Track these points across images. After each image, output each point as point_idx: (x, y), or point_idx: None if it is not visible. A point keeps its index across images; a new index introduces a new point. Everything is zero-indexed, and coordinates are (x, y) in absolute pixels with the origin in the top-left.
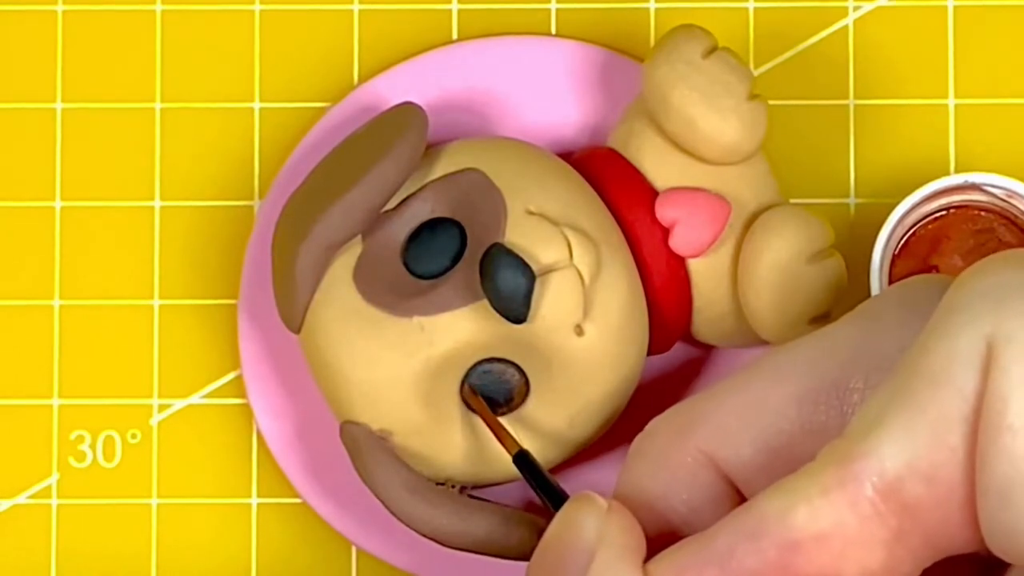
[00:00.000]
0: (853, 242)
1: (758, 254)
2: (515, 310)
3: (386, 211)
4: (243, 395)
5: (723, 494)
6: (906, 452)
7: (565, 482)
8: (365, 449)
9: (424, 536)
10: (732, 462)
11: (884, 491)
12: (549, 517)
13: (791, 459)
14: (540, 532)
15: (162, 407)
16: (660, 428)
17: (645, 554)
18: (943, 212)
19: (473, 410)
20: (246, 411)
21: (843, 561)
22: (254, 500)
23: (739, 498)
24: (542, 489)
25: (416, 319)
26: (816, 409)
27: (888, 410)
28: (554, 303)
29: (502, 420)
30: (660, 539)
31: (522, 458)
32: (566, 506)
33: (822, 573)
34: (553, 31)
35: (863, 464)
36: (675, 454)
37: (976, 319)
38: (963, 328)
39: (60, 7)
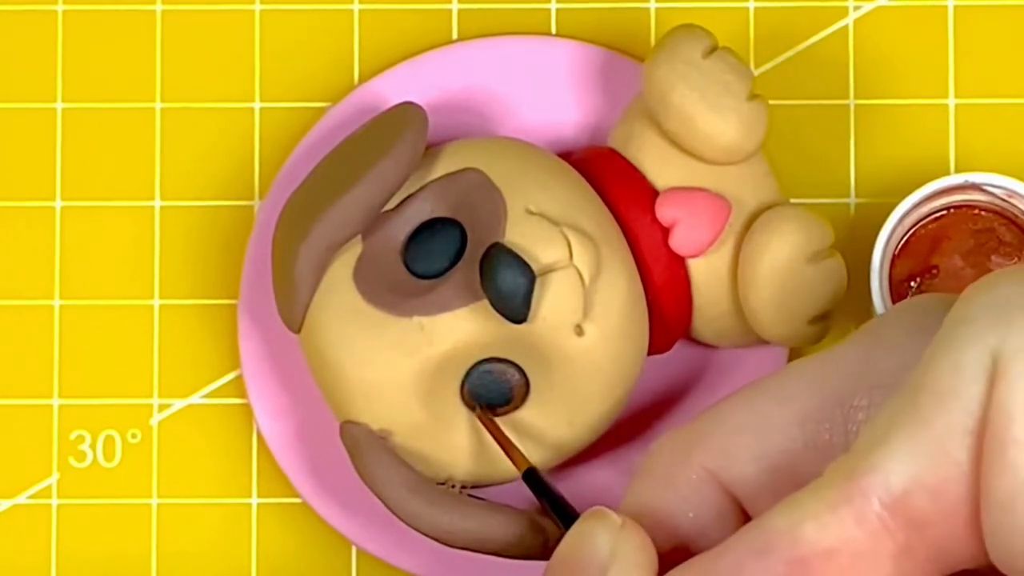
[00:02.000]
0: (853, 242)
1: (758, 254)
2: (515, 310)
3: (386, 211)
4: (243, 395)
5: (728, 512)
6: (912, 466)
7: (565, 483)
8: (365, 449)
9: (425, 535)
10: (736, 480)
11: (891, 506)
12: (559, 534)
13: (795, 477)
14: (540, 531)
15: (162, 407)
16: (664, 447)
17: (657, 572)
18: (943, 212)
19: (483, 423)
20: (246, 411)
21: None
22: (254, 500)
23: (745, 516)
24: (551, 505)
25: (416, 319)
26: (820, 427)
27: (894, 425)
28: (554, 303)
29: (500, 420)
30: (668, 557)
31: (531, 475)
32: (580, 521)
33: None
34: (553, 31)
35: (870, 479)
36: (680, 472)
37: (982, 333)
38: (969, 341)
39: (60, 7)
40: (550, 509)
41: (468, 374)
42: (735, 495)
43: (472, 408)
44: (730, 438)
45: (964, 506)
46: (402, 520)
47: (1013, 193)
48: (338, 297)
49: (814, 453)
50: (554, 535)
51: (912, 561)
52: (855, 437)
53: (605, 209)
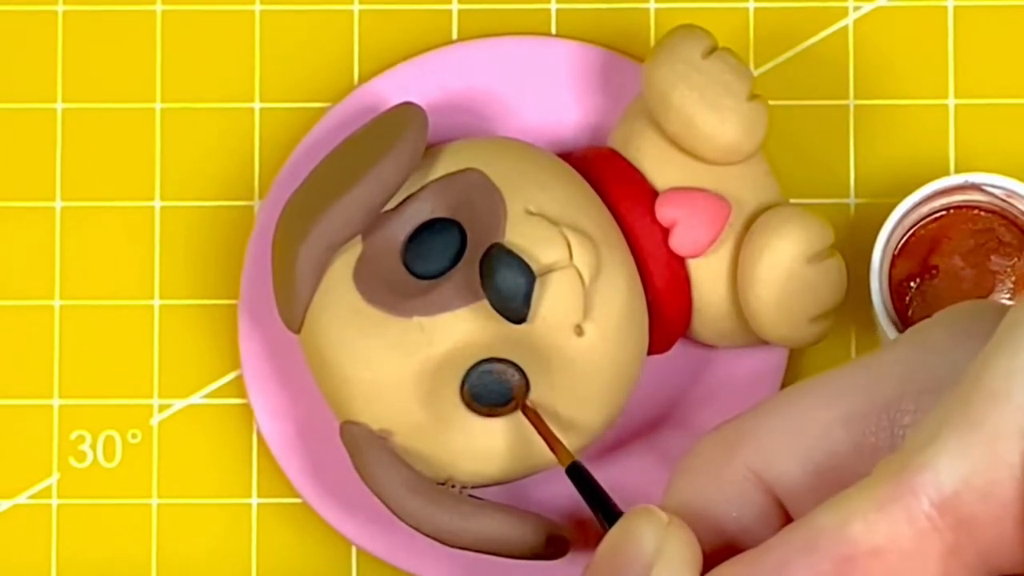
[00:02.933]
0: (853, 242)
1: (758, 254)
2: (515, 310)
3: (386, 211)
4: (243, 395)
5: (771, 512)
6: (963, 466)
7: (563, 484)
8: (365, 449)
9: (425, 535)
10: (780, 481)
11: (940, 505)
12: (600, 529)
13: (839, 479)
14: (541, 530)
15: (162, 407)
16: (707, 446)
17: (702, 569)
18: (943, 212)
19: (527, 416)
20: (246, 411)
21: (899, 575)
22: (254, 500)
23: (787, 517)
24: (594, 501)
25: (416, 319)
26: (866, 431)
27: (945, 424)
28: (554, 303)
29: (500, 420)
30: (711, 555)
31: (575, 470)
32: (626, 517)
33: None
34: (553, 31)
35: (920, 478)
36: (724, 472)
37: None
38: None
39: (60, 7)
40: (592, 504)
41: (468, 374)
42: (778, 496)
43: (475, 410)
44: (773, 438)
45: (1014, 508)
46: (402, 520)
47: (1013, 193)
48: (338, 297)
49: (858, 456)
50: (564, 535)
51: (960, 562)
52: (901, 440)
53: (605, 209)
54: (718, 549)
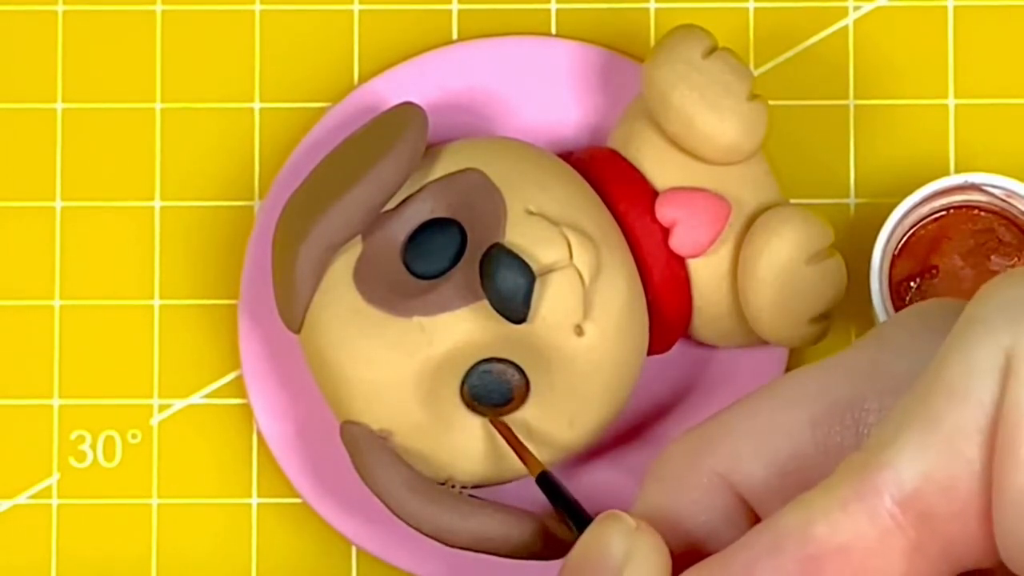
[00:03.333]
0: (853, 242)
1: (758, 254)
2: (515, 310)
3: (386, 211)
4: (243, 395)
5: (740, 516)
6: (923, 463)
7: (565, 482)
8: (365, 449)
9: (425, 535)
10: (747, 484)
11: (903, 502)
12: (570, 536)
13: (805, 481)
14: (541, 530)
15: (162, 407)
16: (675, 451)
17: (671, 573)
18: (943, 212)
19: (495, 427)
20: (246, 411)
21: (864, 573)
22: (254, 500)
23: (755, 519)
24: (564, 509)
25: (416, 319)
26: (830, 431)
27: (906, 422)
28: (554, 303)
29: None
30: (680, 559)
31: (545, 478)
32: (594, 523)
33: None
34: (553, 31)
35: (881, 476)
36: (691, 477)
37: (995, 331)
38: (982, 340)
39: (60, 7)
40: (563, 512)
41: (468, 374)
42: (746, 499)
43: (475, 410)
44: (740, 442)
45: (976, 503)
46: (402, 520)
47: (1012, 193)
48: (338, 297)
49: (824, 456)
50: (561, 535)
51: (924, 559)
52: (866, 439)
53: (605, 209)
54: (687, 553)
